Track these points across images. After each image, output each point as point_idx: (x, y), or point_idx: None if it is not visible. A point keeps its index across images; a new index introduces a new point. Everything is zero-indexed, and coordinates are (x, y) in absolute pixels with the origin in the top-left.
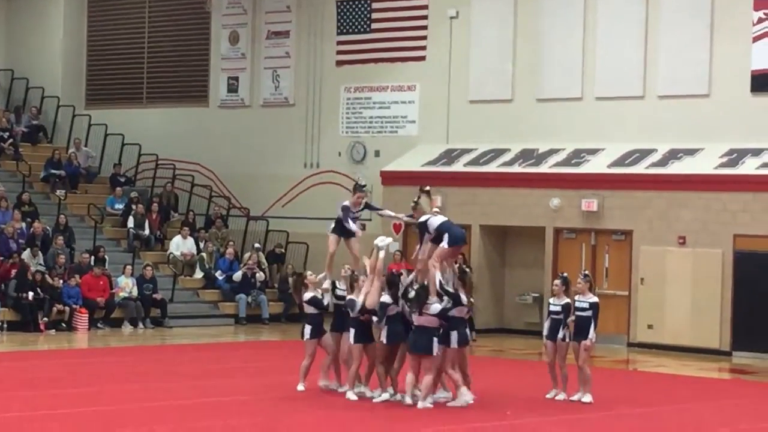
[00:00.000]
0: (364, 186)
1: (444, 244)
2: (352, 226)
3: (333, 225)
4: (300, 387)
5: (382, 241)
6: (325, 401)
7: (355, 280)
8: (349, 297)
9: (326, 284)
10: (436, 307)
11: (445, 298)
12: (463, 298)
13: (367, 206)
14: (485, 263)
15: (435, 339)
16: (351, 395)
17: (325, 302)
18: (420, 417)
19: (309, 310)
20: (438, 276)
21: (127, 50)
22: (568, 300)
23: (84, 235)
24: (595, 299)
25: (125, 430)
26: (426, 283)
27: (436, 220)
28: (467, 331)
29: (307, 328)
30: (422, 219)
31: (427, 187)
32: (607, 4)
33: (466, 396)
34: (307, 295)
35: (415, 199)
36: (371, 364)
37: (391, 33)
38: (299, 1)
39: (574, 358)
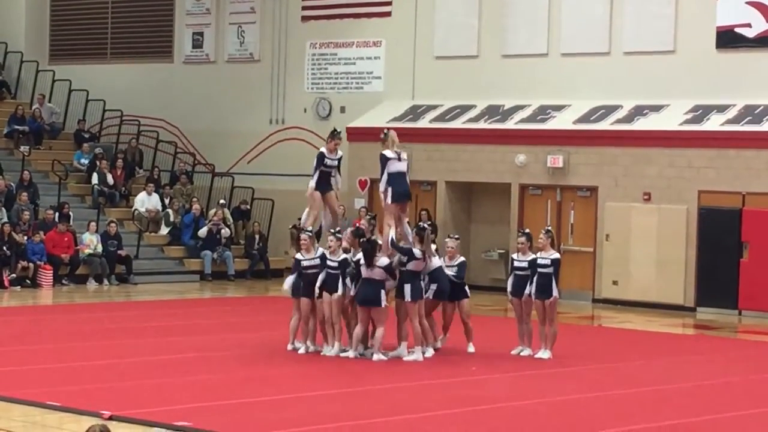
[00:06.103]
0: (339, 132)
1: (388, 200)
2: (313, 181)
3: (314, 180)
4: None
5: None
6: (290, 357)
7: (339, 238)
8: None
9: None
10: (383, 260)
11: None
12: (417, 252)
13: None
14: (451, 219)
15: (383, 291)
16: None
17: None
18: (385, 372)
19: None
20: (391, 233)
21: (91, 5)
22: (533, 256)
23: (48, 191)
24: (557, 255)
25: (89, 386)
26: (372, 237)
27: (392, 166)
28: (422, 284)
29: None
30: (386, 153)
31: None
32: None
33: (416, 354)
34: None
35: (385, 131)
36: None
37: None
38: None
39: (537, 315)
